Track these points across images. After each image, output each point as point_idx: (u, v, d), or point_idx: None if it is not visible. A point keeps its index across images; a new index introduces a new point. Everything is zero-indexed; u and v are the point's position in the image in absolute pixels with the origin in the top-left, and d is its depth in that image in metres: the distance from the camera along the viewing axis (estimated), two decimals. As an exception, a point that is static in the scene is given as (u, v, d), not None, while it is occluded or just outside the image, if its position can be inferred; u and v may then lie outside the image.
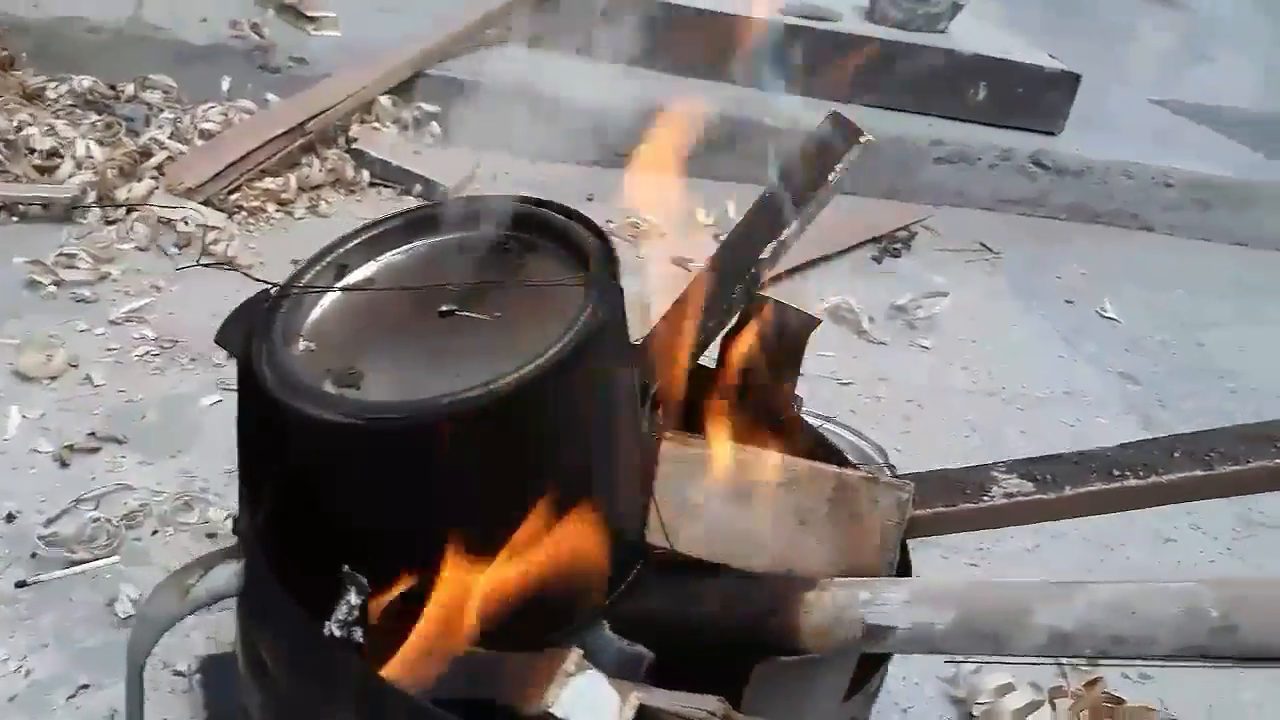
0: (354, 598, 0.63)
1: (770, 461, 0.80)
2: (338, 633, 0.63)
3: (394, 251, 0.80)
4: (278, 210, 2.03)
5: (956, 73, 2.98)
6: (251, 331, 0.71)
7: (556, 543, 0.73)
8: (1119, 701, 1.18)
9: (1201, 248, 2.97)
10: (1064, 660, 1.09)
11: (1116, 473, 0.72)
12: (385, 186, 2.27)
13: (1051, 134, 3.05)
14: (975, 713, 1.18)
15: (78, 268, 1.69)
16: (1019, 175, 2.94)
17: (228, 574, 0.70)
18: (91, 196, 1.87)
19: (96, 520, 1.21)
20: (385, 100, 2.43)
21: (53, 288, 1.66)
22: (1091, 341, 2.26)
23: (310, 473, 0.71)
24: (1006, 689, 1.18)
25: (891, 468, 1.53)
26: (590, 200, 2.15)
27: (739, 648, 0.71)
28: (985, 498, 0.75)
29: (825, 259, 2.31)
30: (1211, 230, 3.01)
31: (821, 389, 1.82)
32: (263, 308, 0.73)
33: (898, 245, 2.47)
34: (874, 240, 2.48)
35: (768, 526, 0.78)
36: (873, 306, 2.14)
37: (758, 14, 3.00)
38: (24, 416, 1.39)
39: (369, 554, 0.69)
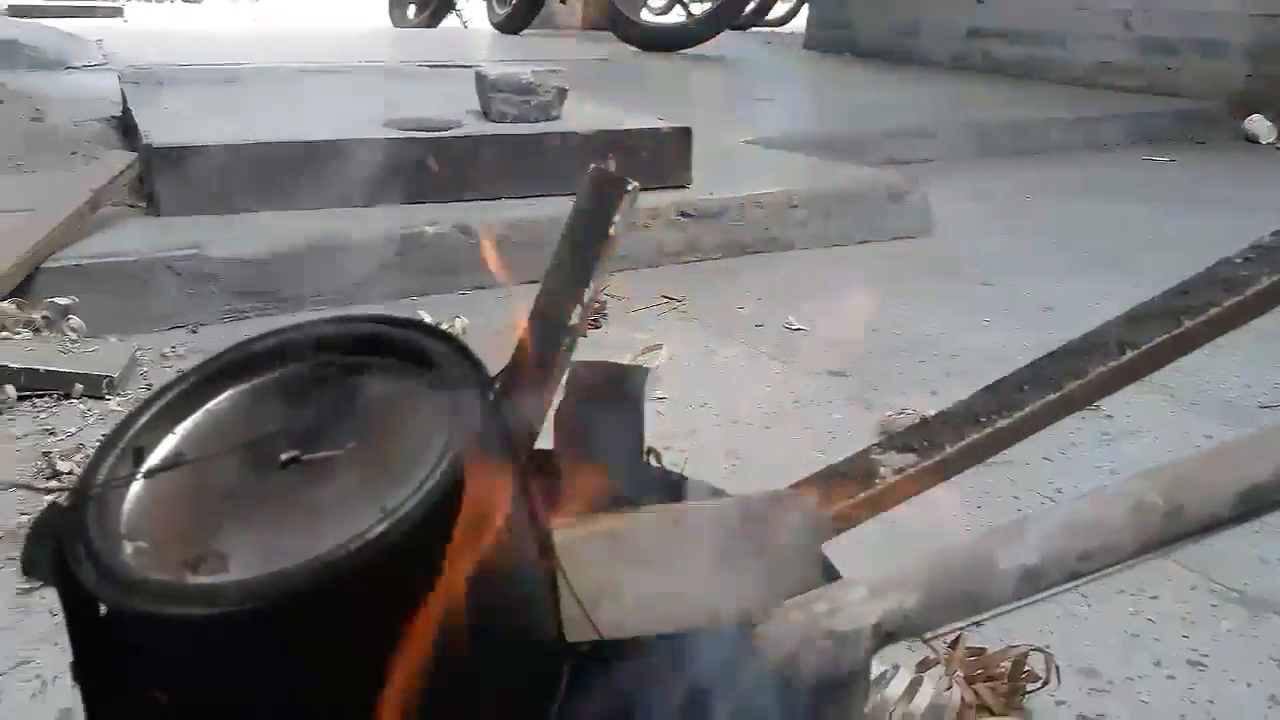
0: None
1: (667, 515, 0.76)
2: None
3: (195, 415, 0.68)
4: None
5: (585, 151, 3.13)
6: (64, 550, 0.57)
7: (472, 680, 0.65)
8: (980, 651, 1.25)
9: (840, 252, 3.30)
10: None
11: (983, 419, 0.76)
12: (39, 396, 1.97)
13: (684, 187, 3.29)
14: (867, 712, 1.19)
15: None
16: (671, 229, 3.13)
17: None
18: None
19: None
20: (6, 306, 2.13)
21: None
22: (793, 354, 2.42)
23: (200, 684, 0.58)
24: (884, 678, 1.20)
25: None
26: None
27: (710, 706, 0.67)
28: (878, 481, 0.76)
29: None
30: (841, 235, 3.37)
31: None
32: (63, 520, 0.59)
33: (596, 316, 2.52)
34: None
35: (689, 581, 0.74)
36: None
37: (369, 135, 2.99)
38: None
39: None
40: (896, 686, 1.23)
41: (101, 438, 1.81)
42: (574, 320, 0.89)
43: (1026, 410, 0.75)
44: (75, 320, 2.19)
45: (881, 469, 0.77)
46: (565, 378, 0.89)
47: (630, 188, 0.91)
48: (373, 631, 0.57)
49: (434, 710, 0.61)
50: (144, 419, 0.66)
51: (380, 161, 2.78)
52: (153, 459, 0.65)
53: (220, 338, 2.33)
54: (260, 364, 0.69)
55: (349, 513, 0.58)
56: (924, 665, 1.28)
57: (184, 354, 2.24)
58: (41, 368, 1.99)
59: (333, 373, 0.69)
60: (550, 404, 0.89)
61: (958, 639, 1.29)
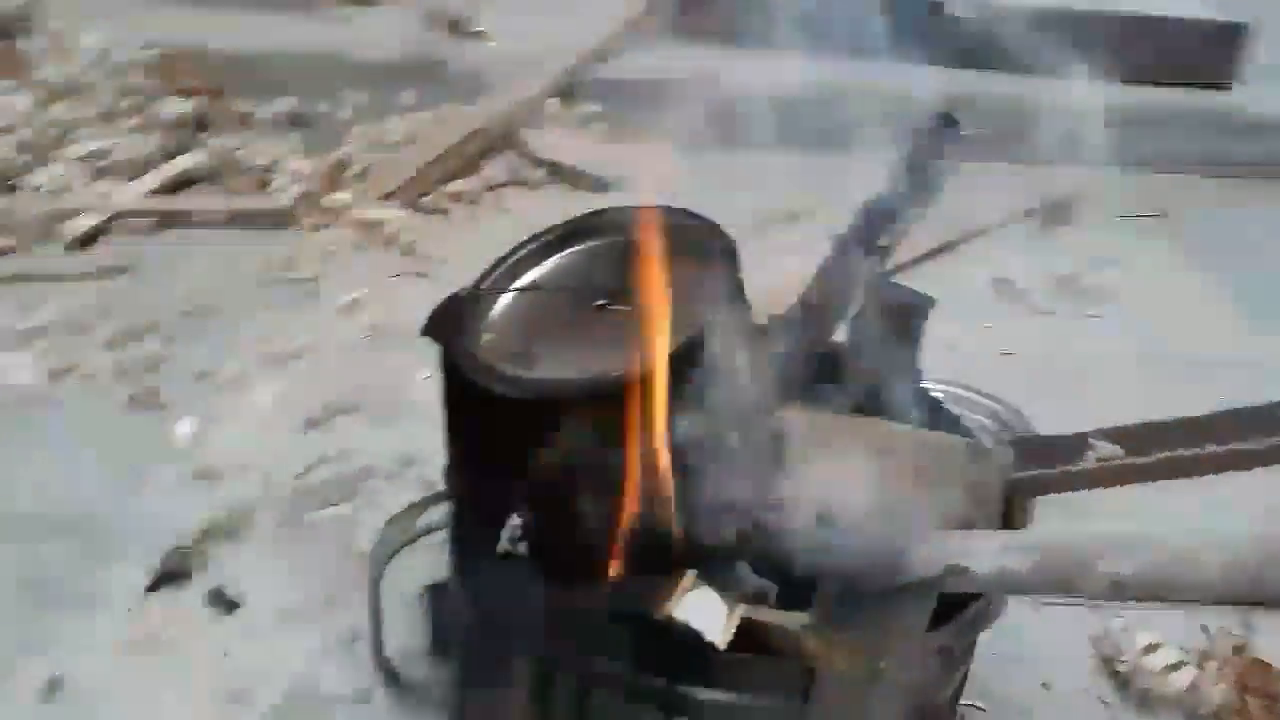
0: (516, 522, 0.83)
1: (879, 429, 0.90)
2: (507, 547, 0.82)
3: (557, 256, 0.96)
4: (468, 209, 2.25)
5: (1120, 34, 2.89)
6: (449, 326, 0.89)
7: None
8: (1266, 667, 1.22)
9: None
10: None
11: (1193, 440, 0.80)
12: (560, 183, 2.44)
13: (1224, 88, 2.93)
14: (1121, 669, 1.24)
15: (300, 269, 1.95)
16: (1191, 134, 2.84)
17: (437, 513, 0.90)
18: (303, 206, 2.14)
19: (335, 476, 1.47)
20: (553, 104, 2.61)
21: (279, 286, 1.93)
22: (1266, 303, 2.17)
23: (496, 434, 0.88)
24: (1153, 648, 1.24)
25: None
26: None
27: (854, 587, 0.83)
28: (1080, 461, 0.84)
29: (986, 231, 2.34)
30: None
31: (980, 360, 1.78)
32: (455, 307, 0.91)
33: (1064, 213, 2.45)
34: (1038, 209, 2.46)
35: (875, 488, 0.88)
36: (1038, 277, 2.15)
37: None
38: (272, 393, 1.66)
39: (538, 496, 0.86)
40: (1161, 659, 1.26)
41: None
42: (884, 242, 1.02)
43: (1236, 447, 0.78)
44: (601, 126, 2.62)
45: (1088, 453, 0.85)
46: (867, 291, 1.03)
47: (964, 131, 1.00)
48: (623, 436, 0.81)
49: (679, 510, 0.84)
50: (525, 250, 0.96)
51: (879, 16, 2.82)
52: (520, 281, 0.94)
53: (724, 162, 2.50)
54: (600, 231, 0.95)
55: (625, 351, 0.83)
56: (1205, 656, 1.28)
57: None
58: (565, 162, 2.45)
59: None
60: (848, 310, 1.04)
61: (1244, 644, 1.26)
